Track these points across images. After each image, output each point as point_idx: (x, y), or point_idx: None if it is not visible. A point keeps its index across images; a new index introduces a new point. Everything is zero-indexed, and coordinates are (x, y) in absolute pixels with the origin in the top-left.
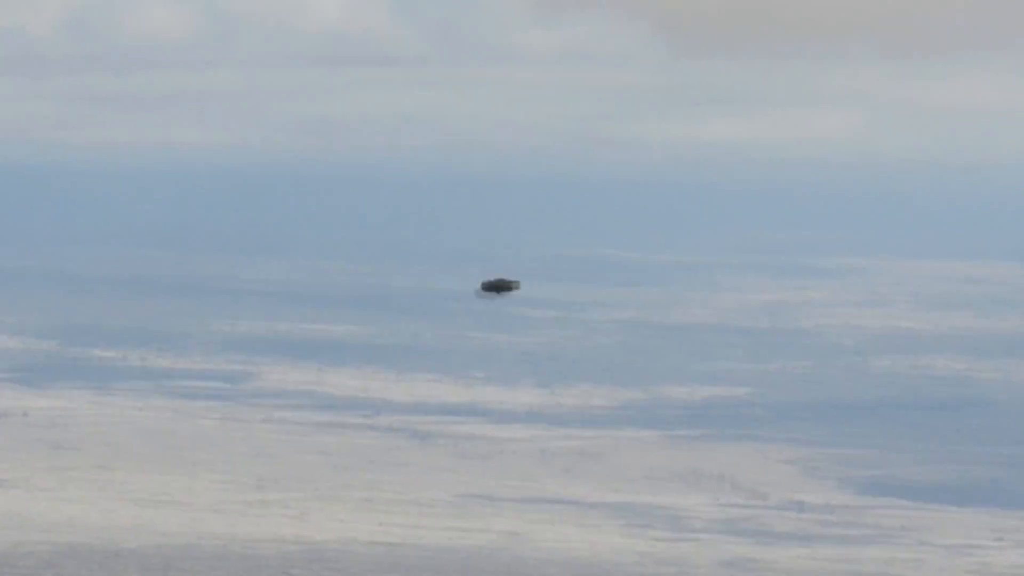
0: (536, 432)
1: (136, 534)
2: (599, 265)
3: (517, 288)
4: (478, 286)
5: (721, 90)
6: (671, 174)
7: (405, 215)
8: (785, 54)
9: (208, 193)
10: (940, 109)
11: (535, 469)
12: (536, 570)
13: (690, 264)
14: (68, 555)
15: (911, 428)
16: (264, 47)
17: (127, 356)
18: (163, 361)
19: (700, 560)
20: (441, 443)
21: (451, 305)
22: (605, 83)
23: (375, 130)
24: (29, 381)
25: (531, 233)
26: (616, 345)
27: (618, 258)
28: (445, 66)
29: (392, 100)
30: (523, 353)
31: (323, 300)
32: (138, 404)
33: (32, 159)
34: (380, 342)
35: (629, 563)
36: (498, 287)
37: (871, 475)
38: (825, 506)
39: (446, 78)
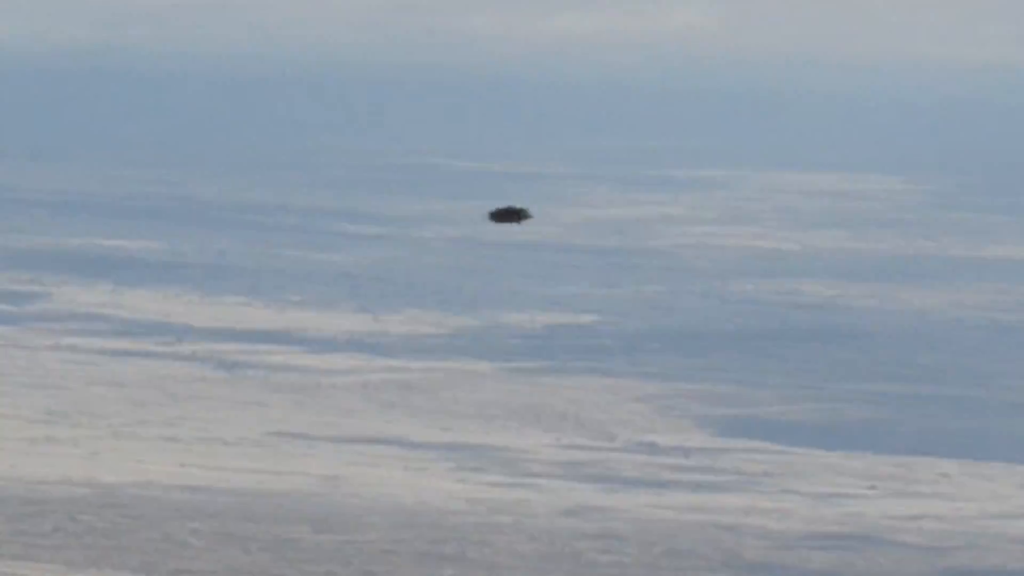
0: (357, 363)
1: None
2: (428, 175)
3: (529, 217)
4: (486, 215)
5: None
6: (509, 72)
7: (209, 116)
8: None
9: (9, 91)
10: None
11: (356, 404)
12: (356, 518)
13: (531, 174)
14: None
15: (776, 361)
16: None
17: None
18: None
19: (539, 507)
20: (251, 374)
21: (262, 219)
22: None
23: (194, 21)
24: None
25: (352, 139)
26: (448, 266)
27: (450, 167)
28: None
29: None
30: (343, 274)
31: (119, 211)
32: None
33: None
34: (182, 260)
35: (460, 510)
36: (509, 215)
37: (730, 414)
38: (679, 448)
39: None
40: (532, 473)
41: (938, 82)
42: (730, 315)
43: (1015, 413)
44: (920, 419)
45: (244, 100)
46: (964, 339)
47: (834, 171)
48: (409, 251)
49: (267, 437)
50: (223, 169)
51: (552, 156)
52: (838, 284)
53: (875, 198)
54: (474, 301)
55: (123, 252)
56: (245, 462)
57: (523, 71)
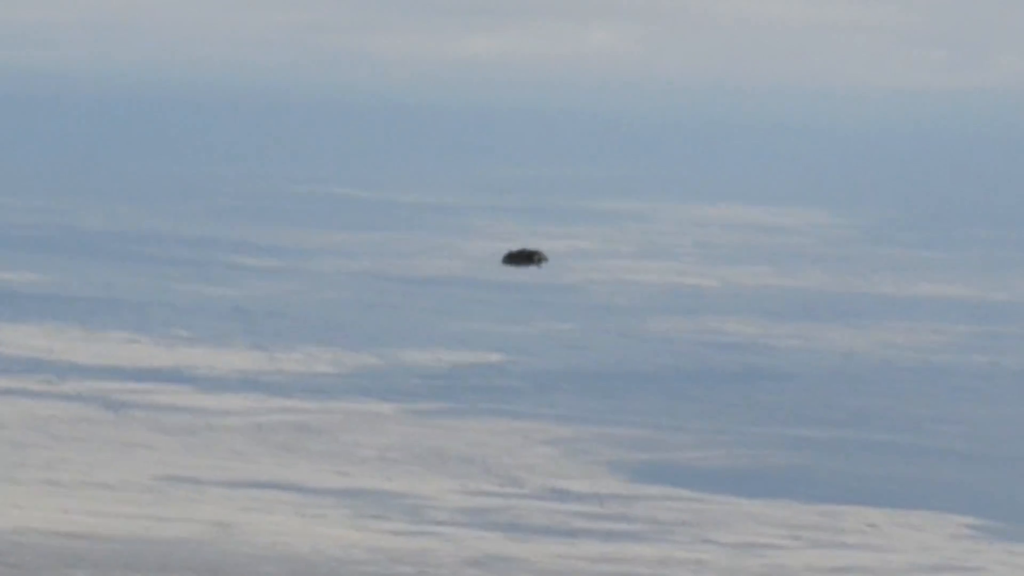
0: (251, 403)
1: None
2: (328, 205)
3: (544, 260)
4: (500, 259)
5: None
6: (415, 97)
7: (102, 140)
8: None
9: None
10: (732, 23)
11: (249, 447)
12: (248, 568)
13: (436, 205)
14: None
15: (694, 404)
16: None
17: None
18: None
19: (443, 557)
20: (137, 414)
21: (152, 250)
22: None
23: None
24: None
25: (248, 164)
26: (347, 301)
27: (351, 197)
28: None
29: (94, 4)
30: (237, 309)
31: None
32: None
33: None
34: (66, 293)
35: (359, 560)
36: (524, 258)
37: (646, 459)
38: (591, 495)
39: None
40: (436, 521)
41: (866, 110)
42: (646, 355)
43: (946, 460)
44: (846, 466)
45: (138, 125)
46: (894, 381)
47: (757, 204)
48: (307, 285)
49: (154, 481)
50: (113, 197)
51: (460, 185)
52: (761, 323)
53: (800, 232)
54: (375, 338)
55: (2, 284)
56: (130, 508)
57: (432, 95)
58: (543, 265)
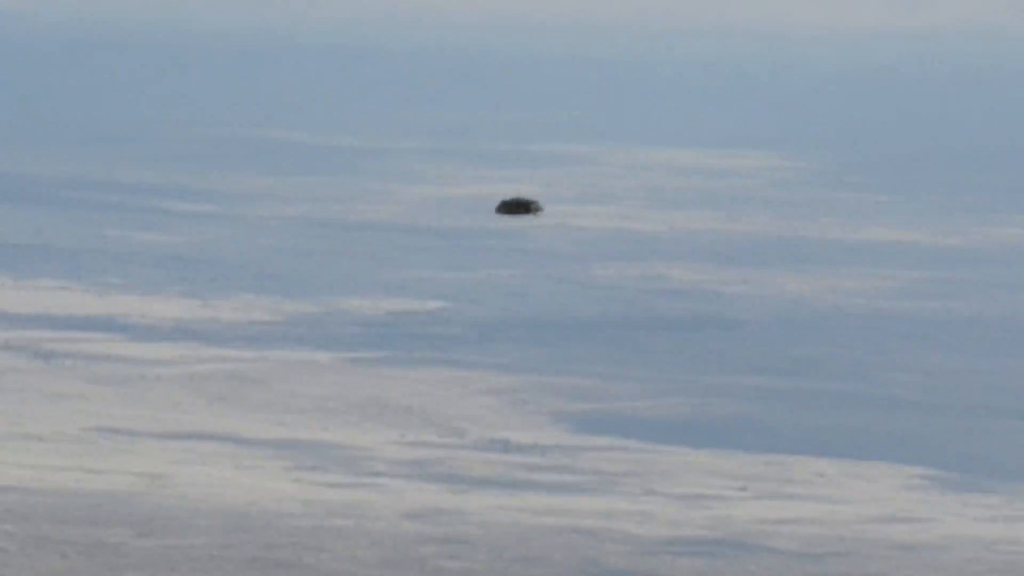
0: (185, 352)
1: None
2: (264, 149)
3: (540, 209)
4: (493, 208)
5: None
6: (352, 37)
7: (31, 84)
8: None
9: None
10: None
11: (183, 397)
12: (183, 520)
13: (376, 149)
14: None
15: (640, 352)
16: None
17: None
18: None
19: (381, 510)
20: (68, 364)
21: (84, 196)
22: None
23: None
24: None
25: (182, 108)
26: (284, 247)
27: (288, 140)
28: None
29: None
30: (171, 256)
31: None
32: None
33: None
34: None
35: (295, 512)
36: (519, 207)
37: (590, 409)
38: (534, 446)
39: None
40: (374, 472)
41: (817, 51)
42: (590, 302)
43: (897, 409)
44: (795, 415)
45: (67, 66)
46: (843, 328)
47: (705, 147)
48: (243, 231)
49: (86, 432)
50: (43, 143)
51: (398, 129)
52: (708, 269)
53: (749, 176)
54: (312, 286)
55: None
56: (61, 460)
57: (368, 37)
58: (539, 215)
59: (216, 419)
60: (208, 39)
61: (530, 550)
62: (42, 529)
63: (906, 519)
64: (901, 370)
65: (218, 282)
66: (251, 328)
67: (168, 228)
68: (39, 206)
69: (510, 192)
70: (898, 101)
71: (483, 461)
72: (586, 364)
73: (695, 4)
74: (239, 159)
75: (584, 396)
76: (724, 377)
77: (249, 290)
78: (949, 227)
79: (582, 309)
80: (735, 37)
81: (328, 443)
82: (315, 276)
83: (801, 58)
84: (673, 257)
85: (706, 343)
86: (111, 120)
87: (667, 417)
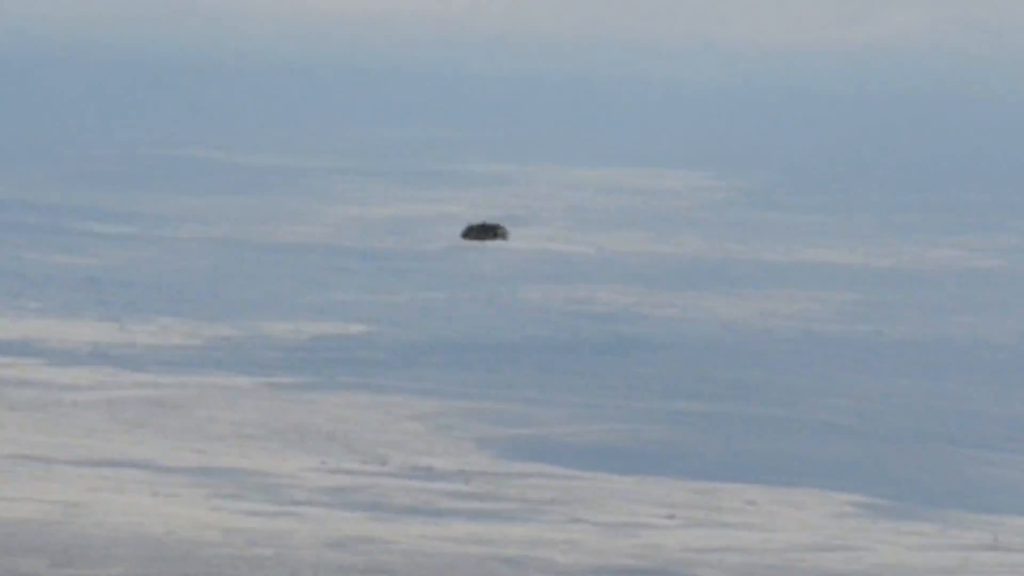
0: (102, 377)
1: None
2: (183, 169)
3: (505, 235)
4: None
5: None
6: (273, 54)
7: None
8: None
9: None
10: None
11: (100, 423)
12: (100, 549)
13: (297, 168)
14: None
15: (566, 376)
16: None
17: None
18: None
19: (303, 538)
20: None
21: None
22: None
23: None
24: None
25: (97, 127)
26: (203, 269)
27: (207, 160)
28: None
29: None
30: (88, 278)
31: None
32: None
33: None
34: None
35: (215, 542)
36: (484, 232)
37: (516, 434)
38: (459, 473)
39: None
40: (295, 500)
41: (746, 68)
42: (516, 325)
43: (829, 434)
44: (725, 441)
45: None
46: (774, 352)
47: (633, 166)
48: (162, 253)
49: (0, 459)
50: None
51: (321, 148)
52: (636, 291)
53: (678, 196)
54: (232, 309)
55: None
56: None
57: (293, 53)
58: (506, 239)
59: (134, 446)
60: (122, 57)
61: None
62: None
63: (838, 547)
64: (833, 395)
65: (136, 305)
66: (170, 352)
67: (86, 250)
68: None
69: (432, 212)
70: (834, 119)
71: (406, 488)
72: (512, 389)
73: (624, 21)
74: (157, 179)
75: (510, 421)
76: (652, 402)
77: (168, 313)
78: (882, 248)
79: (508, 332)
80: (664, 55)
81: (248, 470)
82: (236, 299)
83: (733, 75)
84: (600, 279)
85: (634, 367)
86: (22, 138)
87: (594, 443)
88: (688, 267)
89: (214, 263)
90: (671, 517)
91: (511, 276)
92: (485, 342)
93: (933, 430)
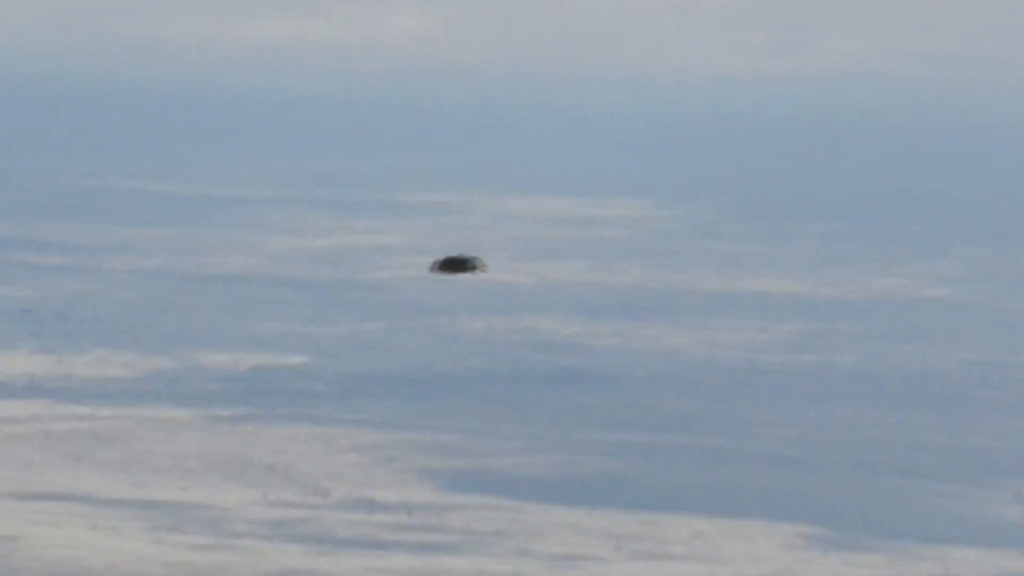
0: (38, 410)
1: None
2: (118, 199)
3: (480, 267)
4: (433, 265)
5: None
6: (205, 83)
7: None
8: None
9: None
10: (541, 7)
11: (37, 456)
12: None
13: (233, 199)
14: None
15: (509, 408)
16: None
17: None
18: None
19: (242, 571)
20: None
21: None
22: None
23: None
24: None
25: (32, 159)
26: (140, 300)
27: (142, 190)
28: None
29: None
30: (22, 310)
31: None
32: None
33: None
34: None
35: (155, 575)
36: (458, 266)
37: (458, 466)
38: (401, 505)
39: None
40: (235, 533)
41: (686, 97)
42: (458, 356)
43: (775, 465)
44: (671, 472)
45: None
46: (719, 383)
47: (573, 196)
48: (98, 284)
49: None
50: None
51: (257, 178)
52: (578, 321)
53: (619, 225)
54: (170, 340)
55: None
56: None
57: (226, 82)
58: (477, 273)
59: (72, 479)
60: (54, 87)
61: None
62: None
63: None
64: (779, 425)
65: (73, 337)
66: (107, 385)
67: (21, 281)
68: None
69: (371, 243)
70: (774, 148)
71: (348, 521)
72: (454, 420)
73: (559, 51)
74: (91, 209)
75: (453, 453)
76: (597, 433)
77: (105, 345)
78: (826, 278)
79: (449, 363)
80: (602, 84)
81: (188, 503)
82: (173, 330)
83: (671, 104)
84: (543, 309)
85: (578, 398)
86: None
87: (539, 474)
88: (630, 297)
89: (150, 294)
90: (617, 549)
91: (452, 307)
92: (426, 373)
93: (880, 460)
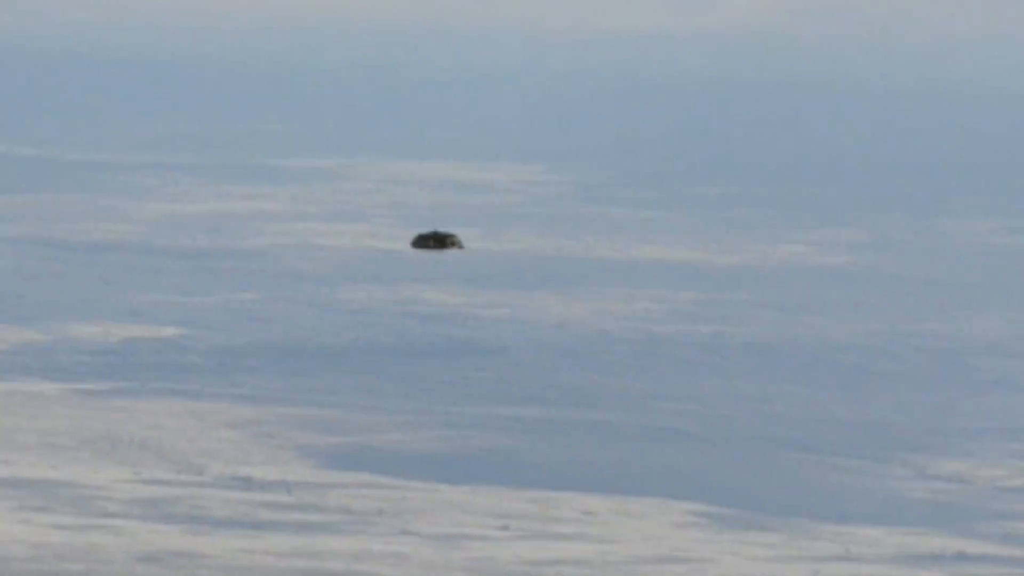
0: None
1: None
2: None
3: (457, 244)
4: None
5: None
6: (70, 42)
7: None
8: None
9: None
10: None
11: None
12: None
13: (105, 163)
14: None
15: (392, 381)
16: None
17: None
18: None
19: (114, 553)
20: None
21: None
22: None
23: None
24: None
25: None
26: (8, 270)
27: (4, 154)
28: None
29: None
30: None
31: None
32: None
33: None
34: None
35: (22, 556)
36: (434, 241)
37: (339, 442)
38: (279, 482)
39: None
40: (107, 513)
41: (578, 56)
42: (338, 327)
43: (670, 441)
44: (560, 448)
45: None
46: (611, 354)
47: (460, 159)
48: None
49: None
50: None
51: (128, 142)
52: (465, 291)
53: (509, 190)
54: (37, 312)
55: None
56: None
57: (90, 41)
58: (457, 250)
59: None
60: None
61: None
62: None
63: (681, 559)
64: (674, 399)
65: None
66: None
67: None
68: None
69: (250, 209)
70: (671, 109)
71: (224, 500)
72: (335, 394)
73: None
74: None
75: (333, 429)
76: (483, 408)
77: None
78: (724, 245)
79: (329, 335)
80: (490, 41)
81: (57, 481)
82: (41, 301)
83: (565, 63)
84: (426, 279)
85: (464, 371)
86: None
87: (423, 451)
88: (519, 265)
89: (15, 263)
90: (504, 528)
91: (332, 275)
92: (305, 345)
93: (779, 435)
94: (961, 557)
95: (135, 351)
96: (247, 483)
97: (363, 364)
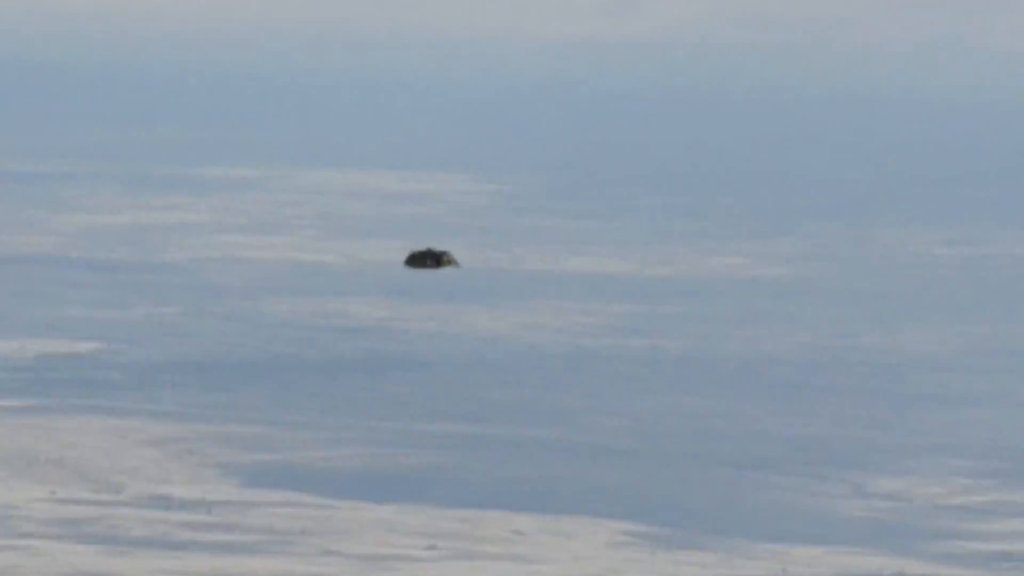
0: None
1: None
2: None
3: (452, 263)
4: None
5: None
6: None
7: None
8: None
9: None
10: None
11: None
12: None
13: (20, 173)
14: None
15: (316, 398)
16: None
17: None
18: None
19: (30, 574)
20: None
21: None
22: None
23: None
24: None
25: None
26: None
27: None
28: None
29: None
30: None
31: None
32: None
33: None
34: None
35: None
36: (427, 259)
37: (261, 460)
38: (199, 502)
39: None
40: (22, 533)
41: (510, 63)
42: (261, 341)
43: (601, 458)
44: (488, 465)
45: None
46: (541, 369)
47: (388, 169)
48: None
49: None
50: None
51: (44, 151)
52: (391, 304)
53: (436, 201)
54: None
55: None
56: None
57: (10, 48)
58: (450, 268)
59: None
60: None
61: None
62: None
63: None
64: (605, 415)
65: None
66: None
67: None
68: None
69: (171, 220)
70: (602, 118)
71: (143, 519)
72: (257, 411)
73: (371, 11)
74: None
75: (255, 446)
76: (410, 424)
77: None
78: (657, 256)
79: (252, 350)
80: (418, 48)
81: None
82: None
83: (492, 71)
84: (352, 292)
85: (390, 387)
86: None
87: (347, 469)
88: (447, 279)
89: None
90: (431, 548)
91: (254, 288)
92: (227, 360)
93: (714, 452)
94: None
95: (51, 367)
96: (167, 502)
97: (287, 380)
